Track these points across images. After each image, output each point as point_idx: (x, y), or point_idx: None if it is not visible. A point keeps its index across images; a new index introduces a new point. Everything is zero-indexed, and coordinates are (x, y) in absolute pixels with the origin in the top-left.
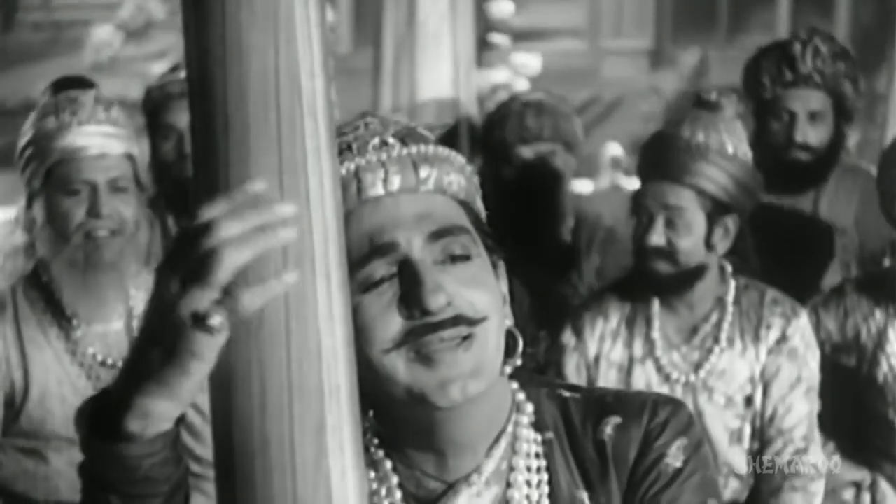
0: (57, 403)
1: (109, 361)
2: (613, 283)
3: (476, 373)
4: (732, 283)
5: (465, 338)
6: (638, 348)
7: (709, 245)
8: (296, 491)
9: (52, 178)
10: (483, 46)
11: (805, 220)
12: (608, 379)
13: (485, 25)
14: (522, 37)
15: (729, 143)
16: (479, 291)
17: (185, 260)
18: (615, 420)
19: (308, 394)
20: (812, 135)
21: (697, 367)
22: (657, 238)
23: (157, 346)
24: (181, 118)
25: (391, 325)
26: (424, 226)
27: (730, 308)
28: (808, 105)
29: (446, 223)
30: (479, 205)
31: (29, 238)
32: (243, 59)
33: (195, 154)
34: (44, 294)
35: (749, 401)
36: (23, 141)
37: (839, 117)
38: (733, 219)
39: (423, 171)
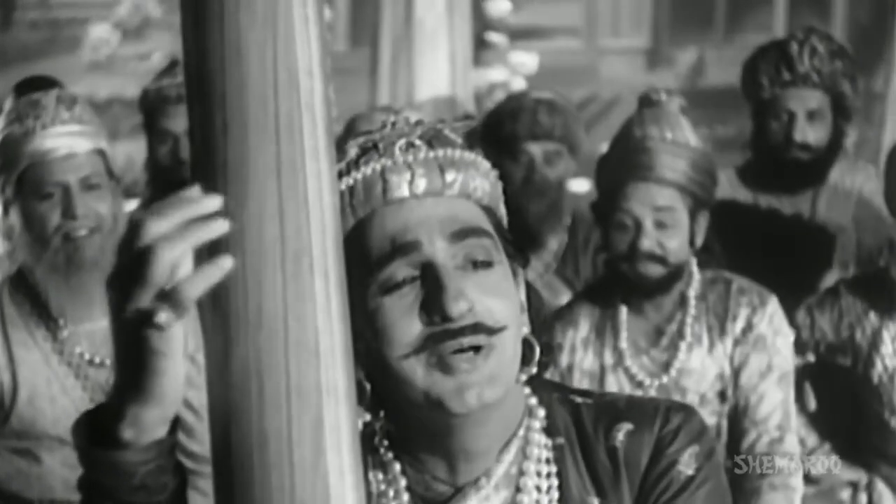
0: (47, 403)
1: (97, 360)
2: (584, 291)
3: (493, 380)
4: (697, 278)
5: (483, 348)
6: (608, 356)
7: (691, 242)
8: (293, 489)
9: (24, 184)
10: (480, 45)
11: (807, 225)
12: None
13: (482, 24)
14: (520, 35)
15: (690, 137)
16: (499, 300)
17: (122, 263)
18: (627, 426)
19: (306, 392)
20: (811, 134)
21: (667, 367)
22: (649, 242)
23: (126, 353)
24: (178, 123)
25: (411, 329)
26: (448, 228)
27: (692, 303)
28: (807, 104)
29: (470, 227)
30: (502, 211)
31: (10, 245)
32: (242, 58)
33: (194, 154)
34: (29, 296)
35: (723, 396)
36: None
37: (838, 116)
38: (704, 213)
39: (449, 175)
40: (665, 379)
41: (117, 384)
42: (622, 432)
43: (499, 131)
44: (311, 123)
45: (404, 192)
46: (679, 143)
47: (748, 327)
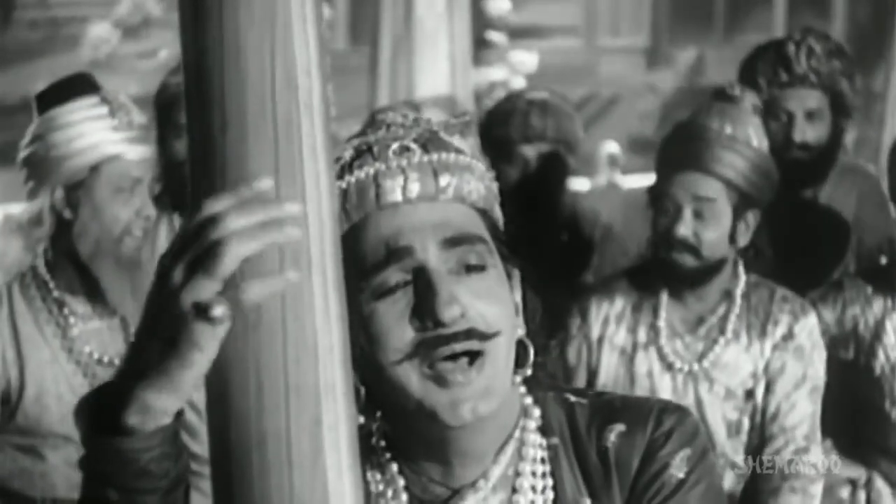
0: (53, 401)
1: (106, 359)
2: (624, 270)
3: (487, 393)
4: (743, 278)
5: (477, 356)
6: (642, 334)
7: (731, 239)
8: (292, 487)
9: (101, 174)
10: (480, 44)
11: (824, 214)
12: (610, 362)
13: (482, 23)
14: (519, 35)
15: (753, 136)
16: (492, 304)
17: (191, 250)
18: (619, 427)
19: (304, 391)
20: (810, 134)
21: (701, 356)
22: (685, 229)
23: (158, 336)
24: None
25: (403, 335)
26: (441, 233)
27: (738, 301)
28: (805, 104)
29: (463, 231)
30: (498, 212)
31: (50, 231)
32: (240, 58)
33: (192, 153)
34: (40, 293)
35: (749, 394)
36: (64, 134)
37: (837, 114)
38: (754, 213)
39: (443, 180)
40: (696, 367)
41: (129, 368)
42: (614, 433)
43: (492, 134)
44: (310, 123)
45: (397, 196)
46: (737, 139)
47: (789, 335)
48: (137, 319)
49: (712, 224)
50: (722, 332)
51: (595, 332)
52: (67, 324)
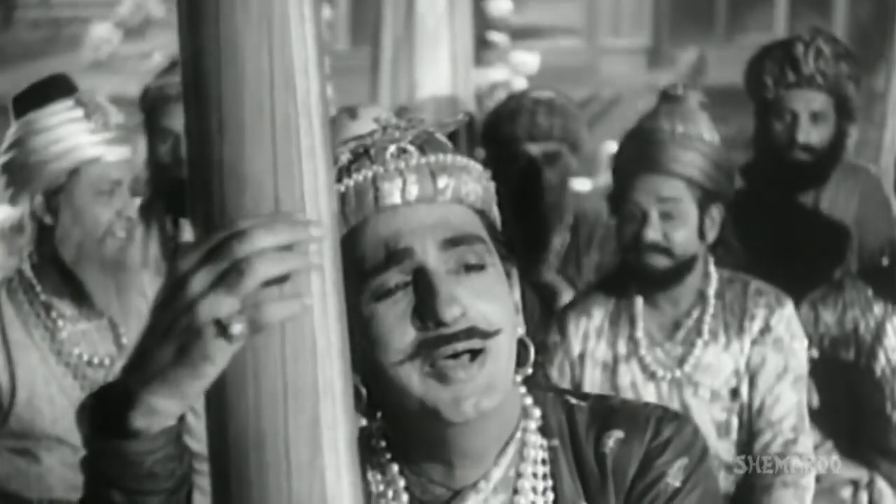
0: (45, 403)
1: (96, 360)
2: (598, 282)
3: (489, 389)
4: (715, 277)
5: (479, 353)
6: (622, 347)
7: (701, 235)
8: (290, 488)
9: (80, 178)
10: (481, 45)
11: (821, 218)
12: (594, 377)
13: (483, 24)
14: (521, 35)
15: (705, 131)
16: (492, 303)
17: (214, 262)
18: (618, 434)
19: (302, 391)
20: (814, 135)
21: (681, 362)
22: (654, 233)
23: (168, 344)
24: (178, 121)
25: (405, 335)
26: (440, 234)
27: (711, 301)
28: (811, 106)
29: (462, 231)
30: (495, 212)
31: (32, 237)
32: (238, 58)
33: (190, 154)
34: (27, 296)
35: (735, 393)
36: (42, 139)
37: (841, 117)
38: (718, 207)
39: (441, 181)
40: (678, 373)
41: (135, 370)
42: (612, 440)
43: (498, 132)
44: (308, 123)
45: (396, 199)
46: (690, 136)
47: (766, 328)
48: (125, 320)
49: (680, 223)
50: (699, 334)
51: (576, 349)
52: (56, 326)
